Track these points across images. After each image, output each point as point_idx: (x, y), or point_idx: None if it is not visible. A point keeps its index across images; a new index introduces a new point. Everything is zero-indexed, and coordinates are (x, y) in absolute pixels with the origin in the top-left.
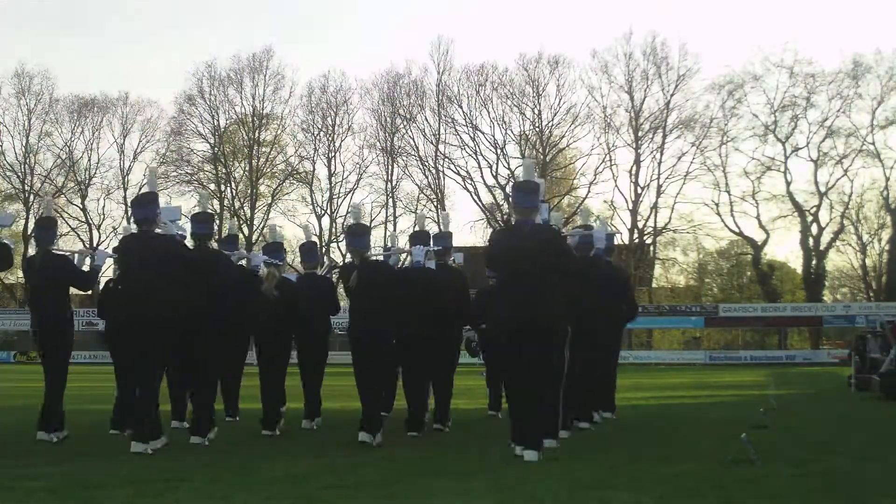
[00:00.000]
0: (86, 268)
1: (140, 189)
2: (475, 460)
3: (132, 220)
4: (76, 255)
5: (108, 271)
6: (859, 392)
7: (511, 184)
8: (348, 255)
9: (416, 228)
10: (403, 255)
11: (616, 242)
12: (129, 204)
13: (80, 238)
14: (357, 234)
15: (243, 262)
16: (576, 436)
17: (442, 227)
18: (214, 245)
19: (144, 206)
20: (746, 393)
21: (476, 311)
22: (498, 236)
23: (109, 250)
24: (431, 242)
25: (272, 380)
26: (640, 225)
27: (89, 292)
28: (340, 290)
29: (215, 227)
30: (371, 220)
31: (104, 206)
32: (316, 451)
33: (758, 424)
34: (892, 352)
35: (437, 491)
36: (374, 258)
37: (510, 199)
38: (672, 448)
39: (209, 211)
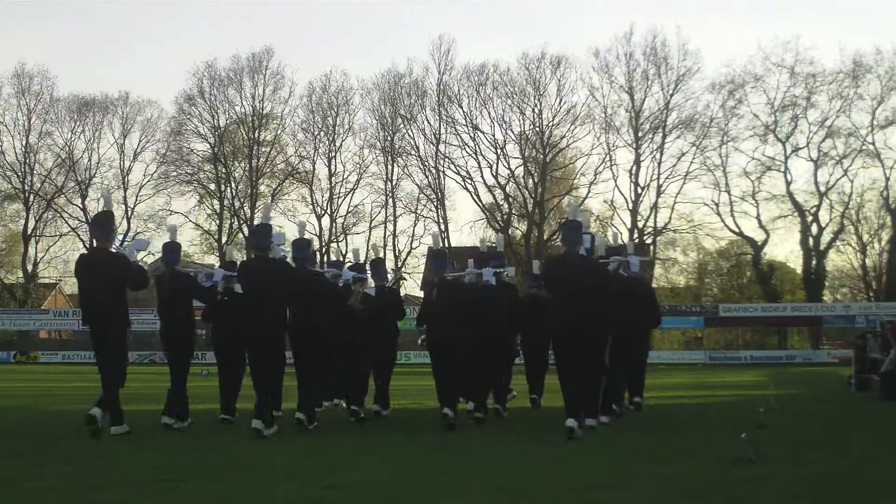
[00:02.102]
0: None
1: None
2: (475, 460)
3: (250, 245)
4: (198, 273)
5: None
6: (859, 392)
7: (562, 222)
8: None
9: (482, 250)
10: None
11: (617, 243)
12: (248, 232)
13: (80, 238)
14: (438, 257)
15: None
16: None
17: (498, 247)
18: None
19: (262, 236)
20: (746, 393)
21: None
22: (551, 263)
23: (223, 270)
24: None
25: (362, 375)
26: (640, 225)
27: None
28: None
29: (313, 250)
30: (371, 220)
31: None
32: (316, 451)
33: (758, 424)
34: (892, 352)
35: (437, 491)
36: (451, 276)
37: (560, 234)
38: (672, 448)
39: (307, 237)
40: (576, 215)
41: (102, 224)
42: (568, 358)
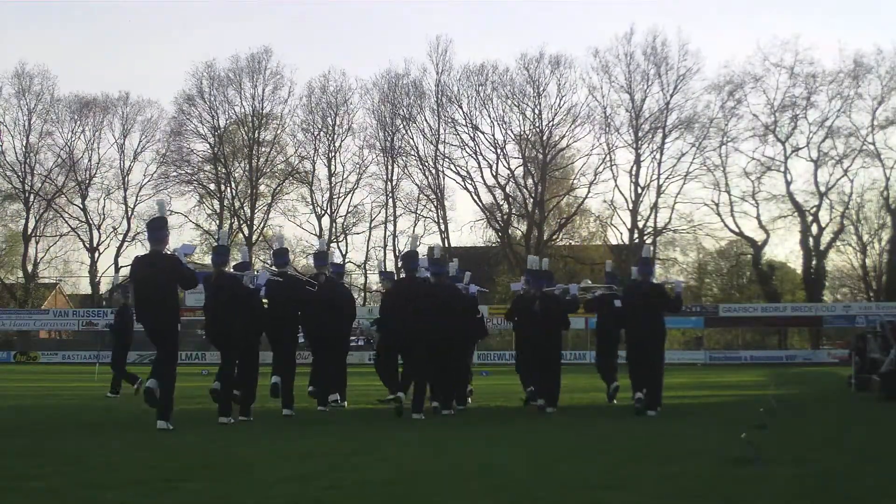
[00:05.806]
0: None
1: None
2: (475, 460)
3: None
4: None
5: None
6: (859, 392)
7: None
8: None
9: (534, 267)
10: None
11: (615, 243)
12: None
13: (80, 238)
14: (538, 277)
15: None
16: (576, 436)
17: (544, 267)
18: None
19: (412, 260)
20: (746, 393)
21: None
22: (629, 288)
23: (268, 274)
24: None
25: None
26: (640, 225)
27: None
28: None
29: (450, 267)
30: (371, 220)
31: (104, 206)
32: (316, 451)
33: (758, 424)
34: (892, 352)
35: (437, 491)
36: (549, 291)
37: (635, 266)
38: (672, 448)
39: (442, 254)
40: (648, 254)
41: (158, 229)
42: (643, 356)
